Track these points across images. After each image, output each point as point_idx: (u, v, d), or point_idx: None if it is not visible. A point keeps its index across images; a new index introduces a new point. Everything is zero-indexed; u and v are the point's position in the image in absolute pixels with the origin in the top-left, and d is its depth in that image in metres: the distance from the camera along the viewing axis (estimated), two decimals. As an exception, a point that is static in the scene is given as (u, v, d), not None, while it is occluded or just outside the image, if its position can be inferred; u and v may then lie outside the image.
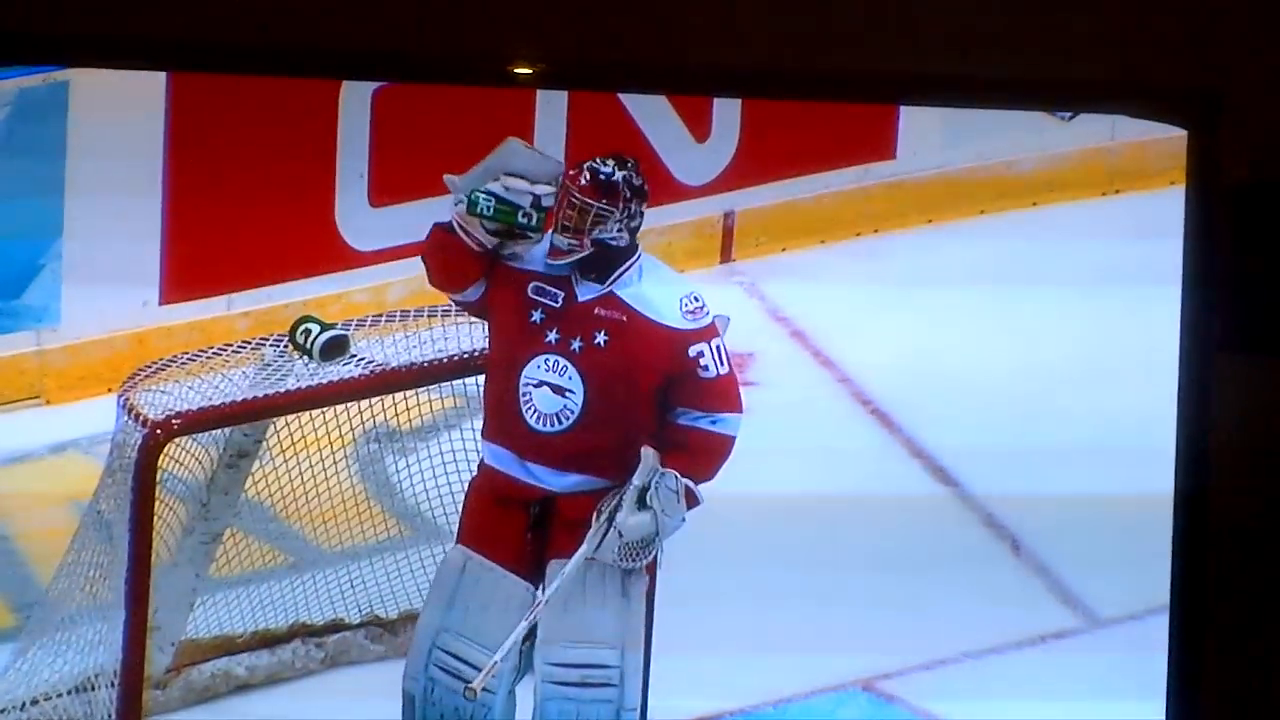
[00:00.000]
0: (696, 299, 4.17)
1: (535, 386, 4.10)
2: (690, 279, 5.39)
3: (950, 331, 5.06)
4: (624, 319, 4.11)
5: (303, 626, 4.43)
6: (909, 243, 5.32)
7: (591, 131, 4.86)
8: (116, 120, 4.76)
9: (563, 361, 4.10)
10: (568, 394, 4.09)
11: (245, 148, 4.90)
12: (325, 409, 4.27)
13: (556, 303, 4.12)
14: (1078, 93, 4.33)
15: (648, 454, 4.09)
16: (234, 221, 4.91)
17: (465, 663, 4.11)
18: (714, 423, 4.13)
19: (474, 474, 4.21)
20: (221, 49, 4.35)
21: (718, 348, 4.15)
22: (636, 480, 4.07)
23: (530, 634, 4.14)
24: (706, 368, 4.12)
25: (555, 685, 4.11)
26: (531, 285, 4.13)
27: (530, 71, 4.28)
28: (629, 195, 4.13)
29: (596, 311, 4.11)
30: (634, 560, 4.09)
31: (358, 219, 4.82)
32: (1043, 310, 4.97)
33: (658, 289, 4.15)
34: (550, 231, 4.16)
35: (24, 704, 4.17)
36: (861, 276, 5.24)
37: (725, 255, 5.48)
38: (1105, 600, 4.50)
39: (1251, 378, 4.33)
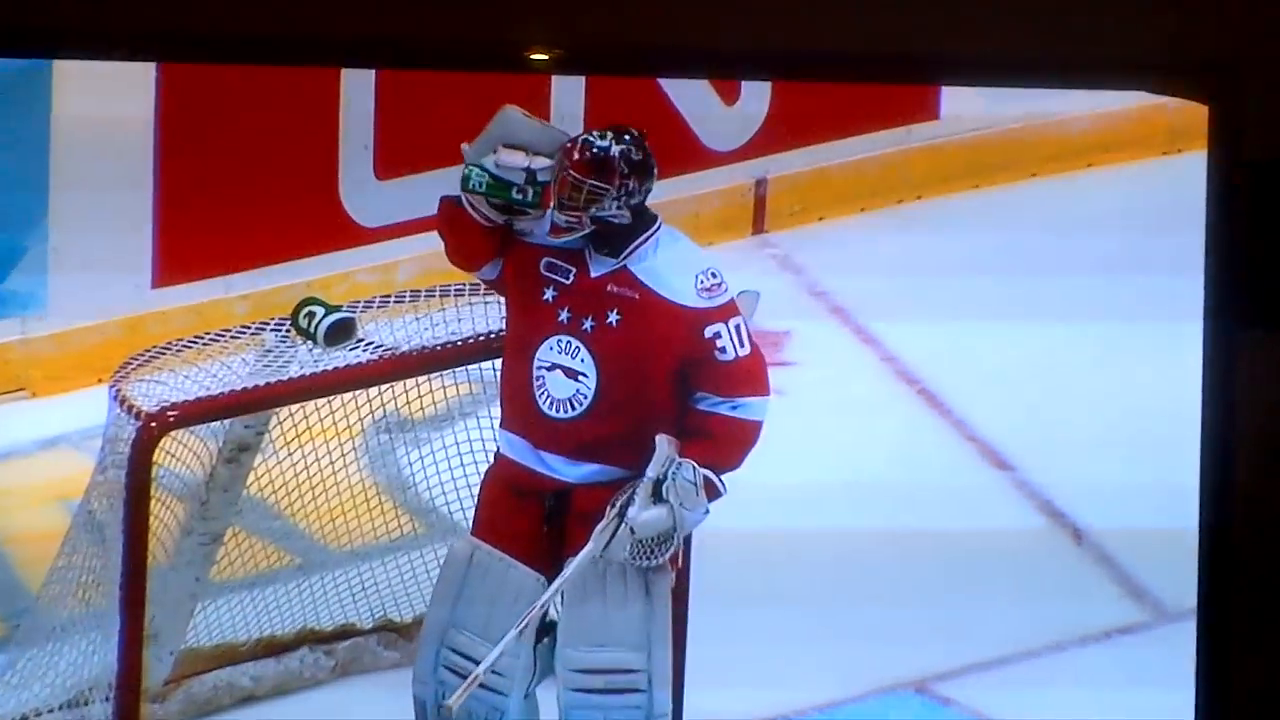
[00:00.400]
0: (714, 275, 4.08)
1: (548, 370, 4.04)
2: (719, 252, 5.31)
3: (1002, 306, 4.95)
4: (636, 296, 4.04)
5: (311, 633, 4.38)
6: (955, 210, 5.25)
7: (612, 91, 4.72)
8: (104, 93, 4.66)
9: (575, 343, 4.03)
10: (580, 378, 4.03)
11: (242, 119, 4.80)
12: (332, 398, 4.22)
13: (567, 279, 4.06)
14: (1097, 69, 4.39)
15: (662, 442, 4.00)
16: (231, 198, 4.82)
17: (475, 661, 4.04)
18: (735, 408, 4.04)
19: (491, 463, 4.14)
20: (227, 38, 4.32)
21: (736, 327, 4.05)
22: (650, 472, 4.00)
23: (547, 634, 4.06)
24: (724, 349, 4.03)
25: (579, 692, 4.03)
26: (544, 261, 4.08)
27: (546, 57, 4.27)
28: (626, 172, 4.04)
29: (609, 289, 4.04)
30: (648, 558, 4.01)
31: (363, 193, 4.74)
32: (1102, 283, 4.83)
33: (673, 264, 4.08)
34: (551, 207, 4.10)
35: (14, 720, 4.15)
36: (905, 247, 5.15)
37: (757, 226, 5.41)
38: (1175, 591, 4.42)
39: (1275, 355, 4.38)
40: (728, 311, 4.05)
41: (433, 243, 4.28)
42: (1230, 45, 4.32)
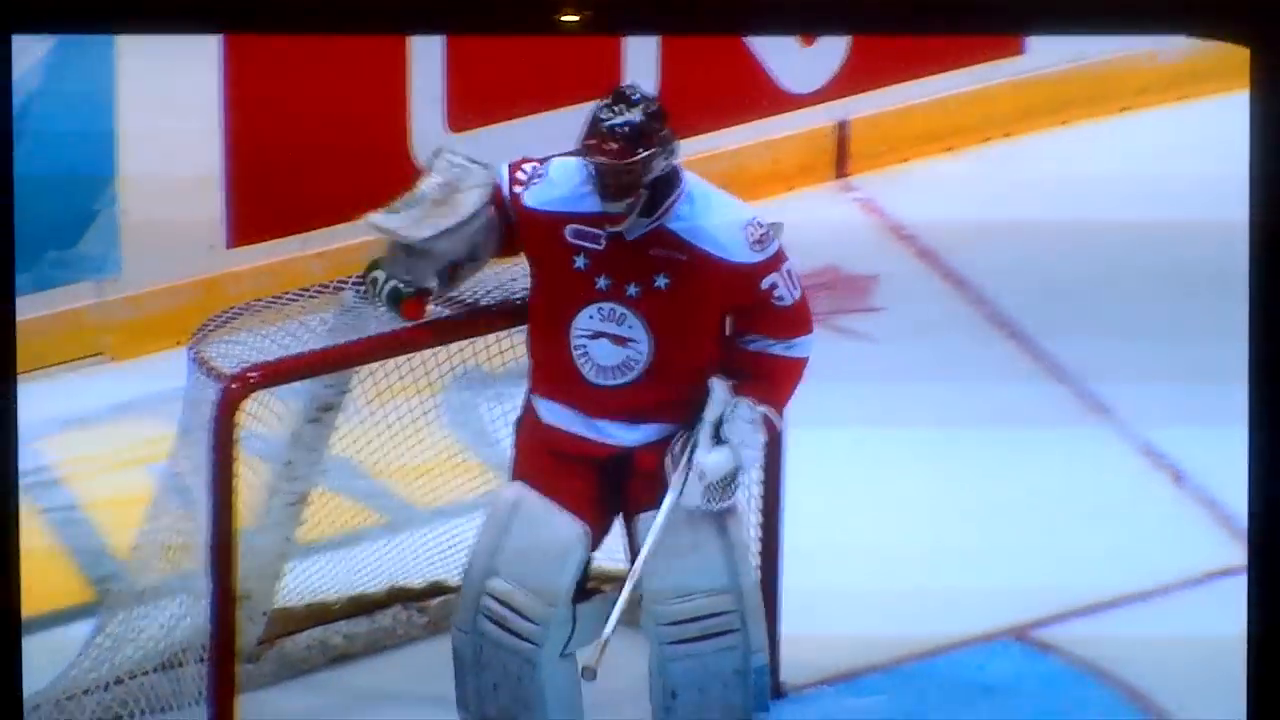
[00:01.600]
0: (759, 224, 4.11)
1: (590, 339, 4.11)
2: (801, 198, 5.45)
3: (1095, 244, 5.09)
4: (684, 257, 4.09)
5: (402, 590, 4.49)
6: (1043, 147, 5.41)
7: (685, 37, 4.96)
8: (171, 47, 4.83)
9: (619, 309, 4.10)
10: (630, 343, 4.10)
11: (311, 74, 4.97)
12: (412, 355, 4.28)
13: (599, 245, 4.10)
14: (1139, 13, 4.35)
15: (717, 385, 4.11)
16: (303, 155, 4.99)
17: (514, 610, 4.14)
18: (790, 347, 4.14)
19: (522, 419, 4.19)
20: (278, 7, 4.31)
21: (789, 273, 4.12)
22: (708, 415, 4.11)
23: (587, 595, 4.16)
24: (782, 298, 4.11)
25: (676, 645, 4.16)
26: (569, 228, 4.11)
27: (576, 19, 4.23)
28: (657, 126, 4.05)
29: (651, 252, 4.09)
30: (720, 500, 4.13)
31: (436, 146, 4.95)
32: (1202, 219, 5.00)
33: (715, 218, 4.11)
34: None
35: (108, 684, 4.23)
36: (992, 186, 5.31)
37: (840, 169, 5.48)
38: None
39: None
40: (779, 259, 4.12)
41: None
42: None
